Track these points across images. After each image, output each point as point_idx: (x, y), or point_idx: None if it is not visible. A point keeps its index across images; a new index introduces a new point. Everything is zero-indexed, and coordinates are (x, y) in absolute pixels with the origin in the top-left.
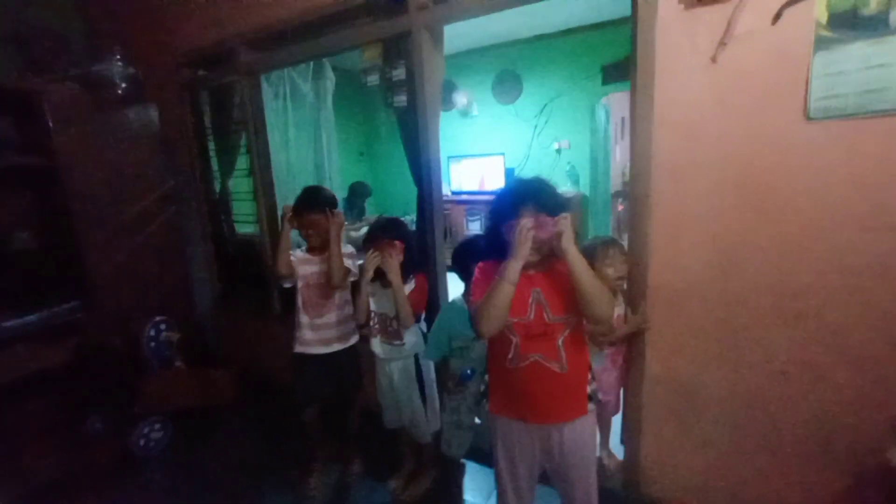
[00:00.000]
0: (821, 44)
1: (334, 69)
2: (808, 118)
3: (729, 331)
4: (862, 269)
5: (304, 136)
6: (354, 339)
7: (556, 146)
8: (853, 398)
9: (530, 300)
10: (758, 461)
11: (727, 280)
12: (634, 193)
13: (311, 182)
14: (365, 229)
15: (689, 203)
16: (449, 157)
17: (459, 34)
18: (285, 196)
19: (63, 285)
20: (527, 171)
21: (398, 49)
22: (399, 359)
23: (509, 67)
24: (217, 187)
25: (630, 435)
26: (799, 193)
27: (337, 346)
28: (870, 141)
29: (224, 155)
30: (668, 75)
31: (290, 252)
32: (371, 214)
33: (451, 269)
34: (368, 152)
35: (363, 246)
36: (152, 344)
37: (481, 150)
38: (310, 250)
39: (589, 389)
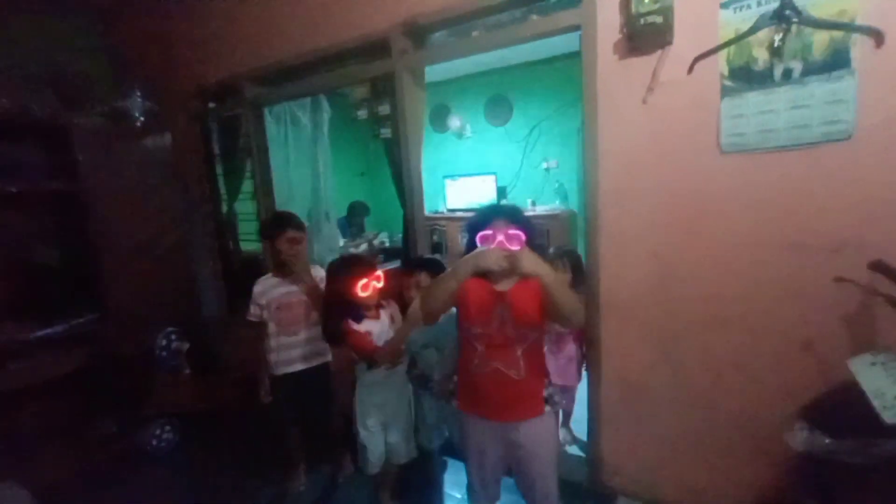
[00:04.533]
0: (726, 91)
1: (338, 96)
2: (722, 151)
3: (670, 336)
4: (772, 281)
5: (302, 162)
6: (329, 356)
7: (545, 165)
8: (772, 394)
9: (494, 313)
10: (702, 454)
11: (666, 291)
12: (587, 215)
13: (309, 203)
14: (364, 246)
15: (631, 224)
16: (444, 177)
17: (452, 62)
18: None
19: (82, 299)
20: (518, 190)
21: (384, 87)
22: (396, 381)
23: (500, 92)
24: (224, 208)
25: (592, 432)
26: (719, 215)
27: (316, 362)
28: (767, 172)
29: (230, 179)
30: (608, 113)
31: (260, 283)
32: (370, 231)
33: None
34: (369, 172)
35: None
36: (163, 353)
37: (475, 170)
38: (277, 273)
39: (545, 393)
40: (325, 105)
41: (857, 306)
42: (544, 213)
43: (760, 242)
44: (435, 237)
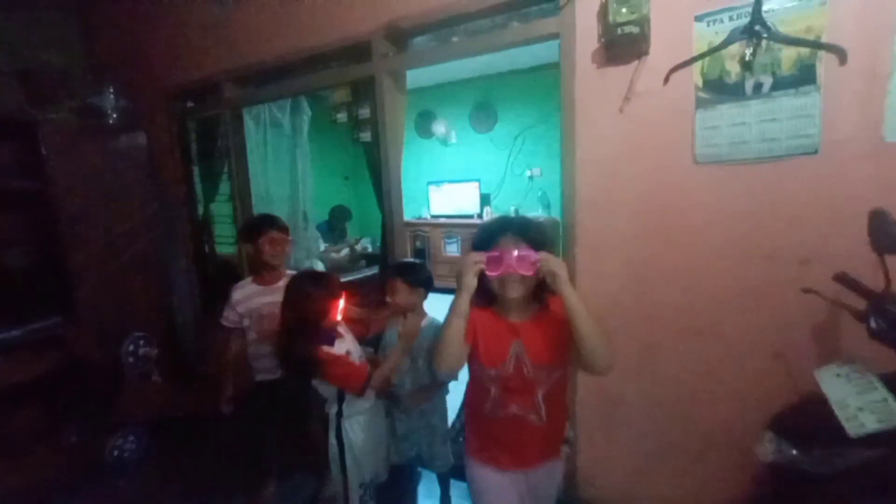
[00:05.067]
0: (700, 103)
1: (319, 98)
2: (696, 162)
3: (645, 345)
4: (744, 291)
5: (281, 164)
6: None
7: (528, 173)
8: (745, 404)
9: (510, 352)
10: (677, 464)
11: (641, 300)
12: (564, 224)
13: (288, 206)
14: (345, 251)
15: (608, 232)
16: (428, 183)
17: (438, 68)
18: None
19: (47, 301)
20: (501, 197)
21: (364, 90)
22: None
23: (486, 99)
24: (200, 210)
25: (568, 443)
26: (692, 225)
27: None
28: (739, 183)
29: (207, 181)
30: (586, 122)
31: (240, 289)
32: (352, 236)
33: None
34: (353, 177)
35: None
36: (130, 358)
37: (459, 177)
38: (258, 279)
39: (565, 434)
40: (306, 107)
41: (824, 317)
42: None
43: (732, 253)
44: (418, 243)
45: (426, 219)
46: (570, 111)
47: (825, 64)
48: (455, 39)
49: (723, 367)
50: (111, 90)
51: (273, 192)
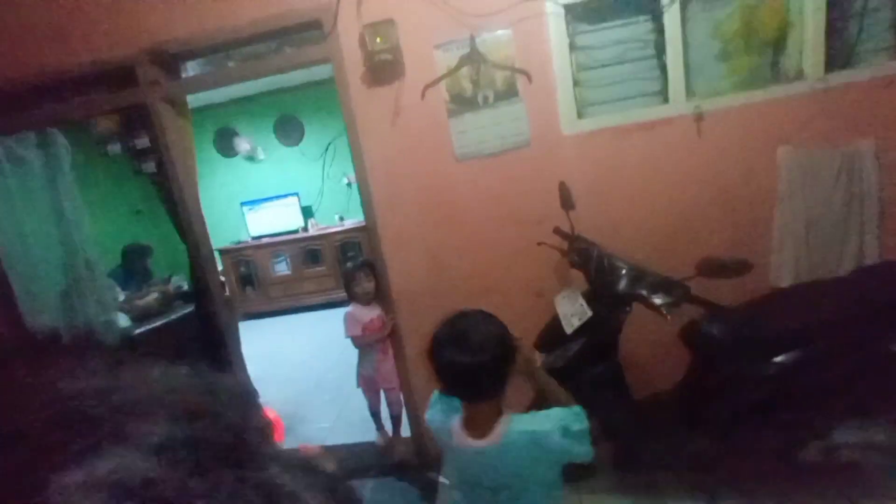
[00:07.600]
0: (450, 113)
1: (80, 129)
2: (457, 160)
3: (450, 311)
4: (509, 252)
5: (40, 209)
6: None
7: (346, 181)
8: (524, 336)
9: None
10: None
11: (441, 276)
12: (367, 223)
13: (60, 254)
14: (154, 295)
15: (405, 226)
16: (242, 204)
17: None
18: (29, 280)
19: None
20: (324, 207)
21: (138, 118)
22: None
23: (289, 111)
24: None
25: (411, 410)
26: (465, 210)
27: None
28: (488, 172)
29: None
30: (367, 135)
31: None
32: (158, 277)
33: None
34: (147, 210)
35: None
36: None
37: (275, 192)
38: None
39: None
40: (61, 139)
41: (558, 260)
42: (353, 226)
43: (496, 226)
44: (242, 269)
45: (247, 241)
46: (353, 126)
47: (522, 82)
48: (231, 64)
49: (507, 313)
50: None
51: (33, 245)
